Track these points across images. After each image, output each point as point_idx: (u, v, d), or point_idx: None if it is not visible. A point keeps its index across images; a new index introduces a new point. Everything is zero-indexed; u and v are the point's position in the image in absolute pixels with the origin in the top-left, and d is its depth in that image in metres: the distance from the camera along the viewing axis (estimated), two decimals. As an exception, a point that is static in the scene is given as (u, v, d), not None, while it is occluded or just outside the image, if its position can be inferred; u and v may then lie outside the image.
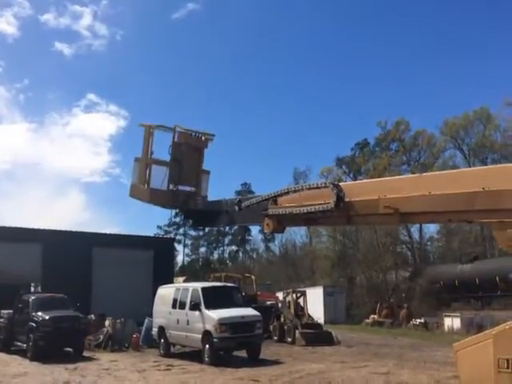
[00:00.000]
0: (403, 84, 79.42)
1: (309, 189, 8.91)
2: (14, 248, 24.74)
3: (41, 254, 26.25)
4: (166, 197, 11.81)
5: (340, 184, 8.44)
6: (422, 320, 29.74)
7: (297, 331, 21.71)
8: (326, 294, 37.17)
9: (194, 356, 16.67)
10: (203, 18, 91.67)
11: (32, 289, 25.93)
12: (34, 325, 17.23)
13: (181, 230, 71.15)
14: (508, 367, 6.46)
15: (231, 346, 16.30)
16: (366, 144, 56.71)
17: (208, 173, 12.62)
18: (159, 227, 69.47)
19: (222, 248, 74.48)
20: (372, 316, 33.74)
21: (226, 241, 73.98)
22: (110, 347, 19.48)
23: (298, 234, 59.03)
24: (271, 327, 23.03)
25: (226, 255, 73.97)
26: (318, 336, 21.65)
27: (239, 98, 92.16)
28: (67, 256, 25.19)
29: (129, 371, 14.66)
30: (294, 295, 24.14)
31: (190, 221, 14.32)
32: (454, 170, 9.98)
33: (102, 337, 19.85)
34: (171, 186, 11.78)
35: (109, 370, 14.73)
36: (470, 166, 40.57)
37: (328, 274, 47.99)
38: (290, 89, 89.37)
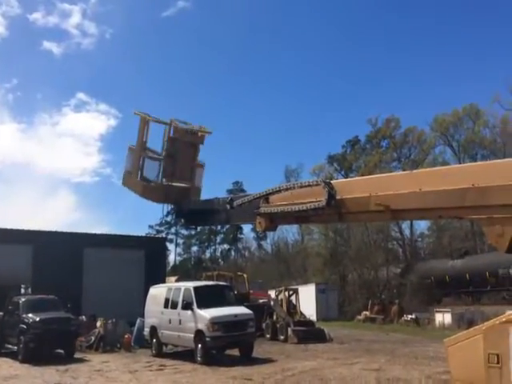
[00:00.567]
0: (393, 81, 80.00)
1: (300, 187, 8.90)
2: (4, 249, 24.52)
3: (31, 255, 26.05)
4: (159, 192, 11.75)
5: (331, 182, 8.44)
6: (414, 316, 29.95)
7: (289, 329, 21.76)
8: (318, 292, 37.28)
9: (187, 356, 16.64)
10: (194, 16, 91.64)
11: (22, 290, 25.76)
12: (24, 327, 17.11)
13: (172, 230, 71.01)
14: (498, 362, 6.50)
15: (224, 345, 16.29)
16: (356, 141, 57.01)
17: (202, 166, 12.58)
18: (151, 226, 69.34)
19: (214, 247, 74.44)
20: (364, 312, 33.93)
21: (218, 239, 73.89)
22: (101, 348, 19.40)
23: (289, 232, 59.24)
24: (264, 325, 23.05)
25: (218, 254, 73.95)
26: (310, 333, 21.72)
27: (230, 96, 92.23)
28: (58, 257, 25.02)
29: (121, 372, 14.61)
30: (287, 293, 24.20)
31: (182, 220, 14.27)
32: (444, 167, 10.06)
33: (93, 338, 19.76)
34: (164, 181, 11.74)
35: (100, 372, 14.67)
36: (460, 163, 40.97)
37: (320, 271, 48.12)
38: (280, 87, 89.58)
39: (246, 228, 65.68)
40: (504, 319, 6.72)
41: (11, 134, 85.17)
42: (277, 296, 24.57)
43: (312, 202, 8.36)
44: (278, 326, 22.61)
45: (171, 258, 68.84)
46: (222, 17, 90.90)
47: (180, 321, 16.78)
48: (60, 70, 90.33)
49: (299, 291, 25.05)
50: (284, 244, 61.25)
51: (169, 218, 58.99)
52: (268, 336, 22.66)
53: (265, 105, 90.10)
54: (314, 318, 30.12)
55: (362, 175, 34.97)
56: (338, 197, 8.06)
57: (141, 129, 11.79)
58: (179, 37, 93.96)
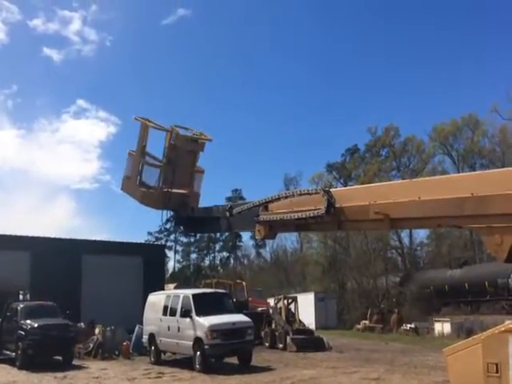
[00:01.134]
0: (393, 90, 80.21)
1: (300, 195, 8.95)
2: (3, 256, 24.45)
3: (30, 261, 25.99)
4: (158, 198, 11.76)
5: (331, 190, 8.49)
6: (413, 325, 29.89)
7: (288, 337, 21.70)
8: (317, 300, 37.19)
9: (185, 363, 16.58)
10: (194, 24, 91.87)
11: (21, 297, 25.65)
12: (22, 333, 17.07)
13: (172, 237, 70.97)
14: (497, 371, 6.49)
15: (222, 353, 16.25)
16: (356, 150, 57.08)
17: (202, 172, 12.60)
18: (150, 233, 69.33)
19: (213, 254, 74.34)
20: (363, 321, 33.82)
21: (217, 247, 73.82)
22: (100, 355, 19.32)
23: (289, 240, 59.17)
24: (262, 333, 22.98)
25: (217, 261, 73.85)
26: (309, 342, 21.65)
27: (229, 104, 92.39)
28: (56, 263, 24.97)
29: (119, 379, 14.56)
30: (285, 301, 24.15)
31: (181, 227, 14.28)
32: (443, 176, 10.09)
33: (91, 345, 19.69)
34: (164, 188, 11.74)
35: (99, 379, 14.62)
36: (459, 172, 41.08)
37: (319, 279, 48.06)
38: (280, 95, 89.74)
39: (245, 236, 65.73)
40: (503, 328, 6.73)
41: (11, 140, 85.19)
42: (276, 304, 24.51)
43: (311, 210, 8.40)
44: (276, 334, 22.55)
45: (170, 265, 68.80)
46: (222, 24, 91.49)
47: (179, 328, 16.73)
48: (60, 77, 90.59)
49: (298, 299, 25.01)
50: (283, 252, 61.18)
51: (168, 225, 59.26)
52: (267, 344, 22.58)
53: (264, 112, 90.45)
54: (312, 326, 30.03)
55: (362, 184, 35.06)
56: (337, 205, 8.10)
57: (141, 134, 11.81)
58: (179, 44, 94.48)
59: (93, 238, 33.61)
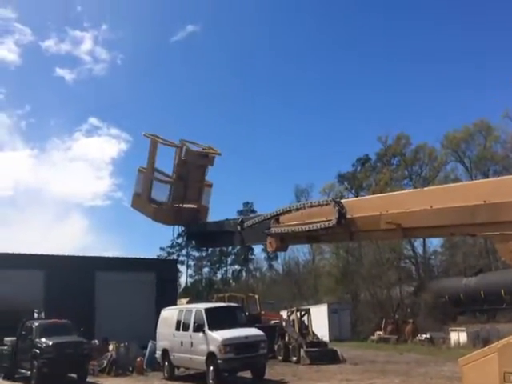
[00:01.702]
0: (403, 98, 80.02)
1: (310, 206, 8.93)
2: (17, 275, 24.65)
3: (43, 279, 26.17)
4: (169, 214, 11.79)
5: (341, 201, 8.46)
6: (428, 335, 29.43)
7: (302, 350, 21.51)
8: (331, 312, 36.85)
9: (199, 378, 16.51)
10: (203, 40, 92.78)
11: (35, 315, 25.69)
12: (37, 351, 17.11)
13: (183, 251, 71.02)
14: (515, 381, 6.40)
15: (236, 367, 16.15)
16: (367, 159, 56.83)
17: (210, 185, 12.65)
18: (162, 249, 69.46)
19: (225, 268, 74.24)
20: (377, 332, 33.42)
21: (229, 260, 73.71)
22: (113, 372, 19.31)
23: (300, 252, 58.81)
24: (276, 347, 22.80)
25: (230, 275, 73.71)
26: (323, 354, 21.43)
27: (239, 117, 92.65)
28: (70, 281, 25.11)
29: (134, 396, 14.52)
30: (298, 313, 23.98)
31: (193, 242, 14.28)
32: (455, 184, 10.02)
33: (105, 361, 19.69)
34: (175, 204, 11.78)
35: (113, 395, 14.60)
36: (471, 179, 40.63)
37: (332, 290, 47.66)
38: (290, 106, 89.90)
39: (257, 249, 65.56)
40: (520, 337, 6.64)
41: (24, 160, 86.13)
42: (289, 317, 24.34)
43: (322, 221, 8.37)
44: (290, 347, 22.37)
45: (182, 280, 68.76)
46: (230, 40, 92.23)
47: (192, 343, 16.67)
48: (72, 96, 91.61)
49: (311, 311, 24.82)
50: (295, 264, 60.85)
51: (180, 240, 59.40)
52: (280, 357, 22.40)
53: (274, 125, 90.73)
54: (326, 338, 29.73)
55: (373, 193, 34.90)
56: (348, 216, 8.07)
57: (150, 151, 11.90)
58: (189, 61, 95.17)
59: (106, 255, 33.87)
